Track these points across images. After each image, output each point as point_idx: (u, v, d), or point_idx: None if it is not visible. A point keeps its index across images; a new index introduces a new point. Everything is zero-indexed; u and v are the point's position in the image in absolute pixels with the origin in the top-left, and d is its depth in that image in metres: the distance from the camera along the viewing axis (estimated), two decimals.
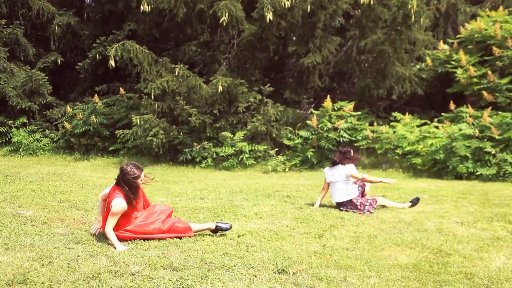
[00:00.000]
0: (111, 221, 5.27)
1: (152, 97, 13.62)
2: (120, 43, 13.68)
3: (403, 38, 14.32)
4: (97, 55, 15.44)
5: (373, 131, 13.27)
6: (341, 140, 13.19)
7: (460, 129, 12.23)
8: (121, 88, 15.96)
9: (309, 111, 14.51)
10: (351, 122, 13.50)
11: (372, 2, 13.90)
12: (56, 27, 16.43)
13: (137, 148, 14.58)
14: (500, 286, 4.36)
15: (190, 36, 16.00)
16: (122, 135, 14.03)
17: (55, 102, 16.68)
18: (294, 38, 14.72)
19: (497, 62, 14.03)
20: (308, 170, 12.96)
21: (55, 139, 15.79)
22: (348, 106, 13.67)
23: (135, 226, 5.42)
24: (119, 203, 5.29)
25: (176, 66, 13.86)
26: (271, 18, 13.05)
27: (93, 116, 15.09)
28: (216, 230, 5.74)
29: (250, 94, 13.95)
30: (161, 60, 14.29)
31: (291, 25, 14.33)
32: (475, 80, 13.83)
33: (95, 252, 4.92)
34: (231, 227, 5.75)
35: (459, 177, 11.73)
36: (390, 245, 5.55)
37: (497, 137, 11.95)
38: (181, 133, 13.77)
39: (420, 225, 6.57)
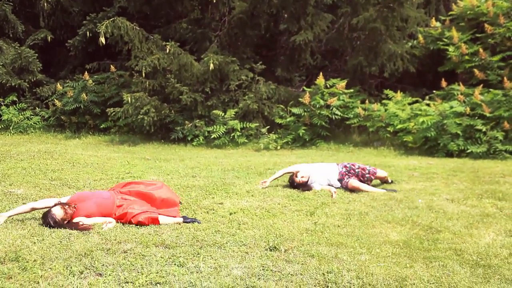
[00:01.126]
0: None
1: (143, 74, 13.54)
2: (111, 19, 13.54)
3: (395, 15, 14.24)
4: (87, 32, 15.26)
5: (364, 109, 13.27)
6: (333, 118, 13.20)
7: (451, 107, 12.25)
8: (111, 66, 15.83)
9: (301, 89, 14.47)
10: (343, 100, 13.49)
11: None
12: (45, 4, 16.19)
13: (128, 126, 14.51)
14: (489, 262, 4.41)
15: (181, 13, 15.85)
16: (113, 113, 13.96)
17: (45, 79, 16.53)
18: (285, 15, 14.61)
19: (489, 40, 14.01)
20: (300, 148, 12.97)
21: (45, 117, 15.68)
22: (341, 84, 13.65)
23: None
24: None
25: (167, 43, 13.77)
26: None
27: (84, 94, 14.99)
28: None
29: (242, 72, 13.89)
30: (152, 37, 14.17)
31: (282, 2, 14.21)
32: (466, 57, 13.81)
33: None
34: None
35: (450, 154, 11.79)
36: (381, 222, 5.60)
37: (488, 114, 11.99)
38: (172, 111, 13.71)
39: (410, 203, 6.62)
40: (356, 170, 7.57)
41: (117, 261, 4.10)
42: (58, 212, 5.04)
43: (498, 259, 4.49)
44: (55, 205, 5.14)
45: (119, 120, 14.45)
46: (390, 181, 7.87)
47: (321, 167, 7.64)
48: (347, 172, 7.54)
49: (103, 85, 15.55)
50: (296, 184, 7.34)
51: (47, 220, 5.03)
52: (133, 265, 4.05)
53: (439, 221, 5.69)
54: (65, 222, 5.06)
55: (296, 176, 7.35)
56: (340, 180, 7.49)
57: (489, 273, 4.15)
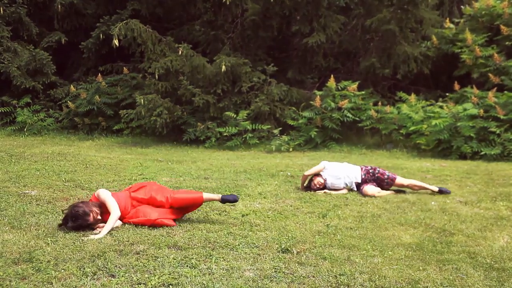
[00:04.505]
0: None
1: (156, 76, 13.59)
2: (124, 22, 13.61)
3: (409, 17, 14.19)
4: (101, 35, 15.37)
5: (377, 111, 13.22)
6: (345, 120, 13.16)
7: (465, 109, 12.16)
8: (124, 68, 15.92)
9: (313, 91, 14.45)
10: (355, 102, 13.45)
11: None
12: (59, 6, 16.30)
13: (140, 128, 14.58)
14: (503, 265, 4.37)
15: (194, 15, 15.91)
16: (126, 114, 14.03)
17: (59, 81, 16.67)
18: (298, 17, 14.60)
19: (507, 43, 13.87)
20: (312, 150, 12.95)
21: (59, 119, 15.80)
22: (352, 86, 13.61)
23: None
24: None
25: (180, 45, 13.81)
26: None
27: (97, 96, 15.09)
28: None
29: (254, 73, 13.89)
30: (164, 39, 14.22)
31: (295, 4, 14.21)
32: (481, 61, 13.71)
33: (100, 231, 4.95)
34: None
35: (463, 157, 11.71)
36: (393, 225, 5.57)
37: (502, 117, 11.89)
38: (184, 113, 13.75)
39: (423, 205, 6.58)
40: (376, 175, 7.49)
41: (129, 263, 4.12)
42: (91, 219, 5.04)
43: None
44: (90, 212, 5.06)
45: (131, 122, 14.52)
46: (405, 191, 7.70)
47: (345, 169, 7.56)
48: (366, 178, 7.48)
49: (116, 87, 15.64)
50: (312, 189, 7.42)
51: (79, 221, 4.97)
52: (146, 267, 4.06)
53: (453, 224, 5.65)
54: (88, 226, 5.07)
55: (314, 183, 7.44)
56: (358, 185, 7.46)
57: (503, 277, 4.11)
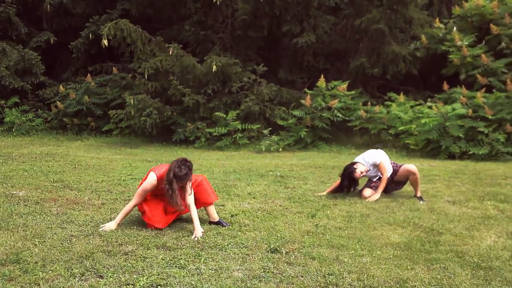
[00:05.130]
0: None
1: (146, 76, 13.57)
2: (113, 22, 13.57)
3: (399, 17, 14.27)
4: (90, 35, 15.30)
5: (366, 111, 13.27)
6: (335, 120, 13.20)
7: (454, 109, 12.23)
8: (114, 68, 15.88)
9: (303, 91, 14.48)
10: (344, 102, 13.49)
11: None
12: (48, 6, 16.22)
13: (130, 128, 14.55)
14: (490, 264, 4.40)
15: (184, 15, 15.88)
16: (116, 115, 14.00)
17: (48, 81, 16.59)
18: (288, 17, 14.63)
19: (497, 46, 13.93)
20: (301, 150, 12.97)
21: (48, 119, 15.74)
22: (342, 86, 13.66)
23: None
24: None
25: (170, 45, 13.79)
26: None
27: (86, 96, 15.04)
28: None
29: (244, 73, 13.90)
30: (154, 39, 14.19)
31: (285, 4, 14.25)
32: (469, 60, 13.79)
33: (88, 232, 4.93)
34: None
35: (452, 156, 11.78)
36: (382, 224, 5.59)
37: (490, 117, 11.98)
38: (174, 113, 13.72)
39: (412, 205, 6.61)
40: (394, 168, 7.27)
41: (118, 263, 4.10)
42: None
43: (499, 261, 4.48)
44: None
45: (121, 122, 14.49)
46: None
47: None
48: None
49: (106, 87, 15.60)
50: (351, 177, 7.03)
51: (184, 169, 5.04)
52: (134, 267, 4.04)
53: (441, 223, 5.68)
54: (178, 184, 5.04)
55: (356, 171, 6.97)
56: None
57: (490, 275, 4.14)
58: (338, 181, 7.22)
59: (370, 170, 7.12)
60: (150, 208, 5.19)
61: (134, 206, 5.19)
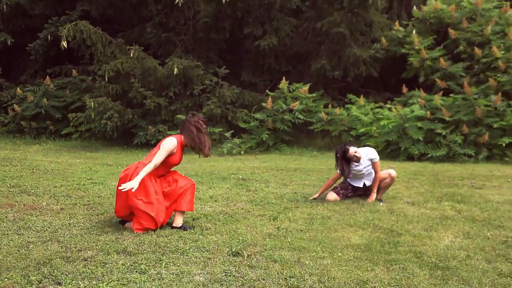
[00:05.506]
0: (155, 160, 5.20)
1: (106, 79, 13.40)
2: (73, 23, 13.37)
3: (359, 20, 14.48)
4: (49, 36, 15.01)
5: (327, 113, 13.39)
6: (296, 122, 13.29)
7: (412, 111, 12.46)
8: (73, 70, 15.62)
9: (265, 93, 14.53)
10: (306, 104, 13.59)
11: None
12: (5, 6, 15.85)
13: (90, 132, 14.33)
14: (447, 263, 4.49)
15: (145, 17, 15.75)
16: (75, 118, 13.78)
17: (5, 84, 16.21)
18: (250, 19, 14.66)
19: (455, 50, 14.25)
20: (263, 152, 13.01)
21: (4, 123, 15.37)
22: (303, 88, 13.76)
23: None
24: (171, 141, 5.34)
25: (131, 47, 13.65)
26: None
27: (45, 99, 14.76)
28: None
29: (206, 76, 13.87)
30: (115, 41, 14.03)
31: (247, 6, 14.29)
32: (428, 63, 14.07)
33: (46, 238, 4.84)
34: None
35: (411, 158, 11.99)
36: (343, 226, 5.65)
37: (447, 118, 12.24)
38: (135, 116, 13.59)
39: (372, 206, 6.70)
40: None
41: (77, 269, 4.04)
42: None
43: (456, 261, 4.58)
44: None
45: (81, 126, 14.26)
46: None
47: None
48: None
49: (65, 90, 15.33)
50: (345, 157, 6.95)
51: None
52: (94, 273, 3.99)
53: (400, 224, 5.77)
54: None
55: (349, 150, 6.90)
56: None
57: (448, 275, 4.23)
58: (326, 182, 7.28)
59: (362, 161, 7.07)
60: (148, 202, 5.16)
61: (155, 166, 5.19)
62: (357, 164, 7.04)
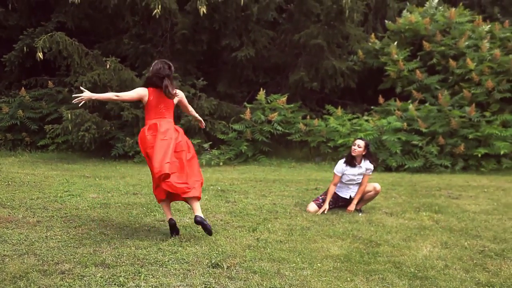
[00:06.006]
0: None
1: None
2: (49, 34, 13.25)
3: (336, 33, 14.63)
4: (24, 47, 14.84)
5: (306, 124, 13.46)
6: (275, 133, 13.33)
7: (389, 122, 12.59)
8: (49, 82, 15.47)
9: (243, 105, 14.55)
10: (284, 115, 13.65)
11: None
12: None
13: (67, 144, 14.18)
14: (426, 273, 4.53)
15: (122, 28, 15.68)
16: (52, 130, 13.63)
17: None
18: (227, 31, 14.71)
19: (429, 62, 14.48)
20: (242, 164, 13.01)
21: None
22: (282, 99, 13.81)
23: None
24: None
25: (108, 59, 13.57)
26: (205, 11, 13.00)
27: (20, 110, 14.59)
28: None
29: (184, 87, 13.81)
30: (91, 52, 13.93)
31: (224, 18, 14.33)
32: (405, 73, 14.26)
33: (22, 251, 4.76)
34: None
35: (389, 169, 12.09)
36: (322, 237, 5.66)
37: (424, 130, 12.39)
38: (113, 127, 13.49)
39: (351, 217, 6.74)
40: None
41: (54, 283, 3.98)
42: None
43: (434, 270, 4.62)
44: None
45: (57, 137, 14.11)
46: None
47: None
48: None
49: (41, 101, 15.17)
50: (352, 158, 7.14)
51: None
52: (71, 287, 3.93)
53: (379, 235, 5.81)
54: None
55: (352, 148, 7.16)
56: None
57: (426, 285, 4.26)
58: (328, 190, 7.27)
59: (362, 163, 7.18)
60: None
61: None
62: (360, 166, 7.14)
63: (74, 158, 13.37)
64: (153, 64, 5.67)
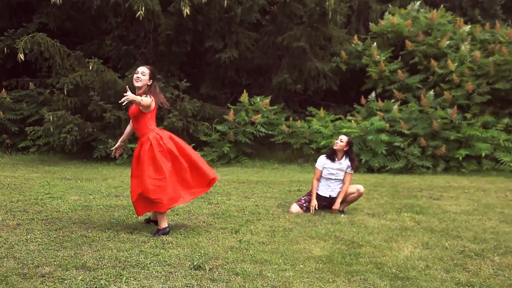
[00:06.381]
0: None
1: (65, 92, 13.19)
2: (30, 35, 13.13)
3: (319, 35, 14.70)
4: (5, 49, 14.70)
5: (288, 126, 13.49)
6: (258, 135, 13.34)
7: (372, 123, 12.66)
8: (31, 83, 15.33)
9: (227, 106, 14.55)
10: (267, 117, 13.66)
11: None
12: None
13: (48, 145, 14.06)
14: (407, 274, 4.55)
15: (105, 29, 15.59)
16: (33, 131, 13.50)
17: None
18: (210, 33, 14.69)
19: (410, 61, 14.61)
20: (225, 165, 12.99)
21: None
22: (265, 100, 13.83)
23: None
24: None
25: (90, 60, 13.48)
26: (188, 13, 12.97)
27: (1, 112, 14.44)
28: None
29: (167, 89, 13.77)
30: (73, 54, 13.84)
31: (208, 20, 14.32)
32: (386, 74, 14.37)
33: (2, 254, 4.70)
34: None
35: (371, 170, 12.15)
36: (304, 238, 5.67)
37: (405, 131, 12.48)
38: (95, 129, 13.40)
39: (333, 218, 6.76)
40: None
41: (34, 286, 3.94)
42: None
43: (415, 271, 4.65)
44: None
45: (39, 139, 13.98)
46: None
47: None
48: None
49: (22, 103, 15.02)
50: (333, 152, 7.28)
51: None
52: None
53: (361, 236, 5.83)
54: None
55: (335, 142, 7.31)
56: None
57: (408, 285, 4.28)
58: (312, 185, 7.36)
59: (342, 160, 7.25)
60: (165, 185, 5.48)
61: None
62: (340, 162, 7.21)
63: (56, 160, 13.26)
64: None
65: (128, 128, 6.15)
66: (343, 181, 7.25)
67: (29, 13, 16.03)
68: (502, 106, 13.83)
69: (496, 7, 20.71)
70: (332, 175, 7.24)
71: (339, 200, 7.19)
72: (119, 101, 5.42)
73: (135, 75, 5.70)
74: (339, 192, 7.22)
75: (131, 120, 5.86)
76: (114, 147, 6.11)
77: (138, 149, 5.66)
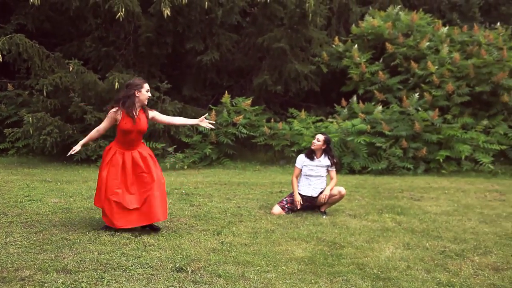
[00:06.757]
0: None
1: (44, 93, 13.05)
2: (8, 36, 12.97)
3: (299, 36, 14.74)
4: None
5: (270, 128, 13.49)
6: (240, 136, 13.32)
7: (353, 125, 12.72)
8: (9, 84, 15.15)
9: (208, 108, 14.51)
10: (249, 118, 13.66)
11: (268, 0, 14.18)
12: None
13: (27, 148, 13.90)
14: (388, 274, 4.58)
15: (84, 31, 15.46)
16: (12, 133, 13.33)
17: None
18: (191, 35, 14.66)
19: (391, 63, 14.74)
20: (206, 167, 12.96)
21: None
22: (246, 101, 13.82)
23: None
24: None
25: (70, 61, 13.35)
26: (169, 14, 12.91)
27: None
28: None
29: None
30: (53, 55, 13.70)
31: (188, 22, 14.27)
32: (367, 76, 14.46)
33: None
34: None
35: (352, 171, 12.21)
36: (287, 240, 5.68)
37: (387, 133, 12.56)
38: (75, 131, 13.27)
39: (315, 219, 6.78)
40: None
41: None
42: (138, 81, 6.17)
43: (397, 271, 4.68)
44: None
45: (18, 141, 13.81)
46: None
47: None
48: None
49: (0, 104, 14.83)
50: (311, 151, 7.37)
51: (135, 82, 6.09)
52: None
53: (343, 237, 5.86)
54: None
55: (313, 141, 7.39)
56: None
57: (389, 286, 4.32)
58: (292, 183, 7.41)
59: (321, 158, 7.33)
60: (110, 203, 5.64)
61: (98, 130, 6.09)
62: (319, 160, 7.28)
63: (35, 162, 13.12)
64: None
65: (95, 134, 6.21)
66: (325, 177, 7.33)
67: (6, 13, 15.84)
68: (481, 107, 13.99)
69: (474, 9, 20.96)
70: (312, 171, 7.30)
71: (328, 188, 7.22)
72: (203, 126, 6.21)
73: (149, 95, 6.27)
74: (328, 185, 7.30)
75: (121, 133, 6.03)
76: (74, 150, 6.15)
77: (123, 157, 5.91)
